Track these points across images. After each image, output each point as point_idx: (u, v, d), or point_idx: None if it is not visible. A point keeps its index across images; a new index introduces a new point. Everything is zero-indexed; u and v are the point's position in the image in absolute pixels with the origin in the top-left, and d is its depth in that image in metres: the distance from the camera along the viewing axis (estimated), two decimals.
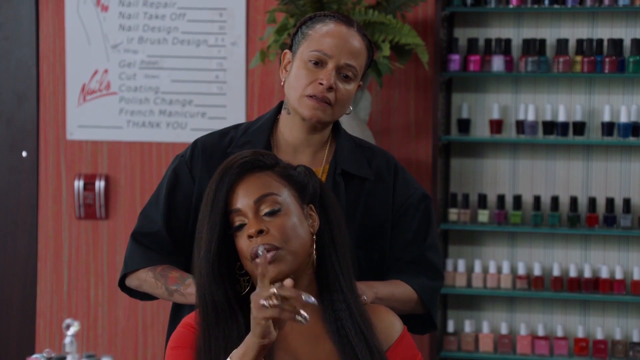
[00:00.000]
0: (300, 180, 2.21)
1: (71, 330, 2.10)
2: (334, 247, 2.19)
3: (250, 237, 2.13)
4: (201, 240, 2.16)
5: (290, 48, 2.70)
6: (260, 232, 2.12)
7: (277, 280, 2.09)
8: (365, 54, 2.69)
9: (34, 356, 2.20)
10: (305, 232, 2.17)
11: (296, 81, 2.64)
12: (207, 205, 2.17)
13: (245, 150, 2.29)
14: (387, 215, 2.70)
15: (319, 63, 2.62)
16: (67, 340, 2.15)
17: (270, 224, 2.14)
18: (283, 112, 2.72)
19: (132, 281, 2.69)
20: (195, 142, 2.75)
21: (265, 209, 2.15)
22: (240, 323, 2.13)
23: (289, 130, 2.70)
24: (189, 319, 2.19)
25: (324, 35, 2.63)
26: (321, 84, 2.61)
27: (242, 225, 2.15)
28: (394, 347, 2.19)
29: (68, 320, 2.32)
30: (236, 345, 2.07)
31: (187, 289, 2.54)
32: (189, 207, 2.68)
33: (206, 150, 2.71)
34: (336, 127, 2.76)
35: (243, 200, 2.15)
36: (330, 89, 2.61)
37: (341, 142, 2.73)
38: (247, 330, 2.07)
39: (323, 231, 2.20)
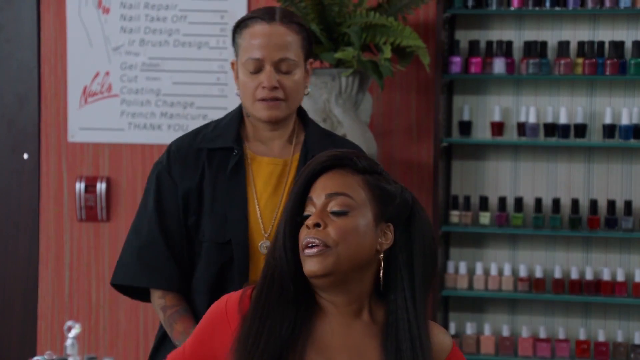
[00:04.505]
0: (388, 196, 2.16)
1: (72, 333, 2.11)
2: (407, 273, 2.15)
3: (307, 227, 2.11)
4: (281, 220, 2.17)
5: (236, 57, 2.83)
6: (317, 225, 2.10)
7: (316, 275, 2.09)
8: (297, 39, 2.77)
9: (35, 358, 2.20)
10: (367, 245, 2.12)
11: (244, 89, 2.77)
12: (292, 187, 2.19)
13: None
14: None
15: (256, 69, 2.74)
16: (69, 342, 2.15)
17: (332, 222, 2.11)
18: (244, 115, 2.85)
19: (153, 301, 2.83)
20: (170, 146, 2.86)
21: (333, 207, 2.12)
22: (297, 310, 2.12)
23: (254, 129, 2.82)
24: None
25: (251, 40, 2.74)
26: (265, 87, 2.72)
27: (309, 216, 2.15)
28: None
29: (69, 322, 2.33)
30: (286, 332, 2.08)
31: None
32: (177, 209, 2.79)
33: (181, 152, 2.82)
34: (304, 118, 2.86)
35: (319, 191, 2.14)
36: (274, 88, 2.72)
37: (310, 130, 2.82)
38: (301, 318, 2.10)
39: (397, 254, 2.15)
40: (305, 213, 2.14)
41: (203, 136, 2.83)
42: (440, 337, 2.19)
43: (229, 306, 2.16)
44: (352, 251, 2.10)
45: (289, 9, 4.43)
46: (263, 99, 2.73)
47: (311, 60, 2.82)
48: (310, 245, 2.09)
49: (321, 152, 2.64)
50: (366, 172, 2.16)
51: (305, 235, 2.10)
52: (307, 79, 2.81)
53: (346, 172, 2.15)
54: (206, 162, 2.79)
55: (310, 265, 2.09)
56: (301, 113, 2.87)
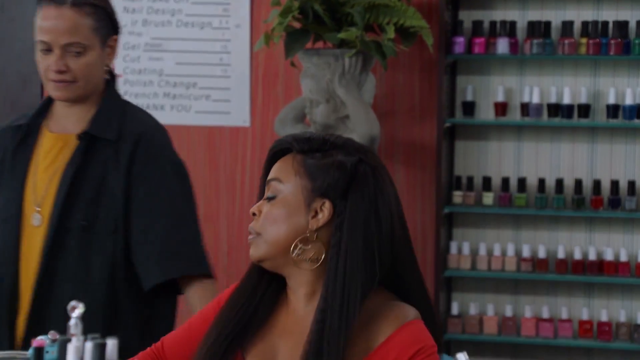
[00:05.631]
0: (319, 170, 2.12)
1: (76, 312, 2.11)
2: (339, 249, 2.08)
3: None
4: None
5: None
6: (254, 214, 2.14)
7: (254, 261, 2.13)
8: (88, 21, 2.81)
9: (39, 338, 2.20)
10: (292, 226, 2.10)
11: (39, 68, 2.83)
12: None
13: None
14: (119, 181, 2.80)
15: (46, 50, 2.79)
16: (72, 322, 2.15)
17: (265, 208, 2.13)
18: None
19: None
20: None
21: (267, 194, 2.15)
22: (262, 298, 2.16)
23: (56, 106, 2.89)
24: None
25: (40, 23, 2.80)
26: (53, 70, 2.79)
27: None
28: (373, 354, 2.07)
29: (73, 303, 2.33)
30: (244, 317, 2.12)
31: None
32: None
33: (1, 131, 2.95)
34: (109, 94, 2.91)
35: (267, 177, 2.17)
36: (61, 72, 2.78)
37: (102, 108, 2.87)
38: (265, 305, 2.13)
39: (333, 230, 2.10)
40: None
41: (16, 117, 2.95)
42: (378, 324, 2.08)
43: None
44: (275, 236, 2.10)
45: None
46: (53, 80, 2.80)
47: (115, 37, 2.88)
48: (249, 233, 2.14)
49: (93, 129, 2.77)
50: (308, 152, 2.13)
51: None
52: (111, 55, 2.90)
53: (290, 156, 2.15)
54: (8, 140, 2.89)
55: (250, 253, 2.13)
56: (109, 89, 2.92)
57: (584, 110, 4.73)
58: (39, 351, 1.83)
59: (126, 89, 5.08)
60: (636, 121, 4.68)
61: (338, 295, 2.04)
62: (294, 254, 2.09)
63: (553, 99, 4.76)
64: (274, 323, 2.16)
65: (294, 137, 2.16)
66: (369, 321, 2.07)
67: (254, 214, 2.13)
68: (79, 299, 2.33)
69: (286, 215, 2.10)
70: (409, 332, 2.05)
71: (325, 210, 2.10)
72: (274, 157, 2.18)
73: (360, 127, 4.39)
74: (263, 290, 2.17)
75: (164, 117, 5.05)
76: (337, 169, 2.10)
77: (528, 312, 4.77)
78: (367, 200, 2.10)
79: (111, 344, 1.75)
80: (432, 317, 2.16)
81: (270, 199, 2.12)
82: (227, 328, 2.14)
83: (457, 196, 4.83)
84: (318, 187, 2.10)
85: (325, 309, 2.05)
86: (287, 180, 2.12)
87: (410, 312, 2.09)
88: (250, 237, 2.13)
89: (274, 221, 2.10)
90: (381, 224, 2.10)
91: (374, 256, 2.08)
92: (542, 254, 4.76)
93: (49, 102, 2.90)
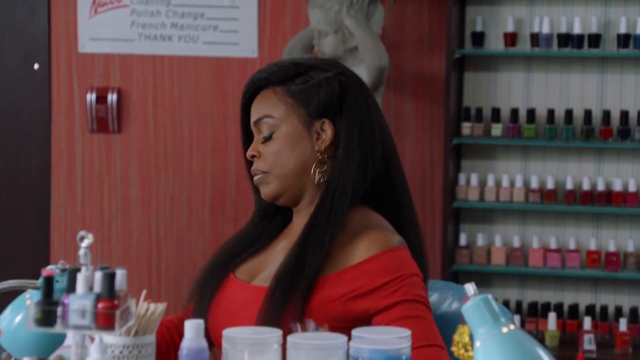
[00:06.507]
0: (308, 94, 2.14)
1: (85, 243, 2.12)
2: (337, 157, 2.14)
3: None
4: None
5: None
6: (253, 156, 2.17)
7: (269, 199, 2.17)
8: None
9: (49, 267, 2.22)
10: (301, 153, 2.13)
11: None
12: None
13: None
14: None
15: None
16: (82, 252, 2.16)
17: (264, 147, 2.15)
18: None
19: None
20: None
21: (262, 132, 2.16)
22: (269, 224, 2.23)
23: None
24: None
25: None
26: None
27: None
28: (341, 272, 2.09)
29: (82, 233, 2.33)
30: (249, 238, 2.21)
31: None
32: None
33: None
34: None
35: (252, 119, 2.19)
36: None
37: None
38: (272, 229, 2.21)
39: (340, 142, 2.14)
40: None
41: None
42: (355, 244, 2.10)
43: None
44: (286, 168, 2.13)
45: None
46: None
47: None
48: (255, 174, 2.18)
49: None
50: (285, 81, 2.15)
51: (252, 167, 2.19)
52: None
53: (269, 91, 2.16)
54: None
55: (262, 192, 2.18)
56: None
57: (595, 40, 4.69)
58: (49, 280, 1.84)
59: (133, 19, 5.05)
60: None
61: (329, 199, 2.10)
62: (316, 180, 2.13)
63: (563, 29, 4.72)
64: (270, 246, 2.22)
65: (266, 72, 2.17)
66: (352, 239, 2.10)
67: (253, 156, 2.15)
68: None
69: (291, 147, 2.13)
70: (389, 258, 2.07)
71: (327, 129, 2.13)
72: (250, 99, 2.19)
73: (369, 58, 4.37)
74: (266, 224, 2.24)
75: (171, 48, 5.04)
76: (325, 87, 2.13)
77: (536, 243, 4.78)
78: (360, 106, 2.14)
79: (120, 273, 1.76)
80: (416, 230, 2.19)
81: (267, 138, 2.14)
82: (222, 255, 2.21)
83: (466, 127, 4.82)
84: (314, 109, 2.13)
85: (316, 213, 2.10)
86: (278, 114, 2.14)
87: (394, 238, 2.11)
88: (256, 177, 2.15)
89: (280, 155, 2.13)
90: (374, 125, 2.15)
91: (367, 158, 2.13)
92: (550, 184, 4.76)
93: None
